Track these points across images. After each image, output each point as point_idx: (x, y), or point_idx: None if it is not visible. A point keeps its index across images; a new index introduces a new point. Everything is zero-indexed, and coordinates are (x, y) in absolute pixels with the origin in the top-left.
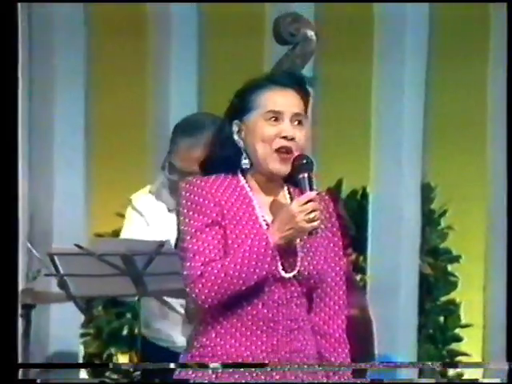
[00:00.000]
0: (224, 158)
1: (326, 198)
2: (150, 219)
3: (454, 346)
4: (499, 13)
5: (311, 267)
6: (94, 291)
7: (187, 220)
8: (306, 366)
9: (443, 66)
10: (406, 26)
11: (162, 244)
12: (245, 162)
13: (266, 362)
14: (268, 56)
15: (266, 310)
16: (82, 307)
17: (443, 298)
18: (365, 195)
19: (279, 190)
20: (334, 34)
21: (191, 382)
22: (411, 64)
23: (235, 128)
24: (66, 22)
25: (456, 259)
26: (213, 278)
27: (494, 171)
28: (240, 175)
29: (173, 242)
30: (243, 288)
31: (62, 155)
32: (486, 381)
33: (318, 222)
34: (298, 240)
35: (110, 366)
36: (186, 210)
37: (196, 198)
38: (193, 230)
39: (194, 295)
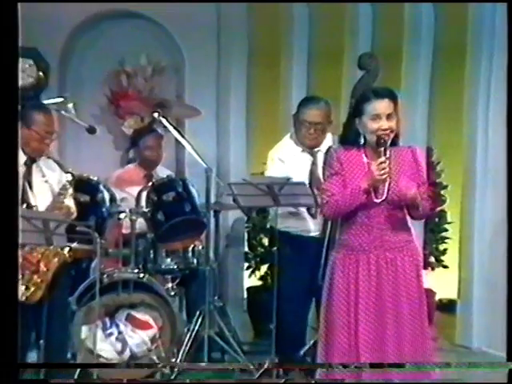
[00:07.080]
0: (352, 138)
1: (412, 149)
2: (283, 160)
3: (443, 234)
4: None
5: (394, 194)
6: (251, 203)
7: (326, 171)
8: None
9: (443, 70)
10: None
11: (288, 178)
12: (360, 141)
13: (366, 248)
14: (351, 77)
15: (366, 219)
16: (245, 212)
17: (438, 209)
18: None
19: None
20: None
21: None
22: (422, 70)
23: (357, 121)
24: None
25: (445, 187)
26: (330, 204)
27: (468, 140)
28: (362, 147)
29: (297, 176)
30: (351, 209)
31: (235, 129)
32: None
33: (386, 175)
34: (387, 179)
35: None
36: (327, 165)
37: (331, 158)
38: (327, 177)
39: (323, 214)
